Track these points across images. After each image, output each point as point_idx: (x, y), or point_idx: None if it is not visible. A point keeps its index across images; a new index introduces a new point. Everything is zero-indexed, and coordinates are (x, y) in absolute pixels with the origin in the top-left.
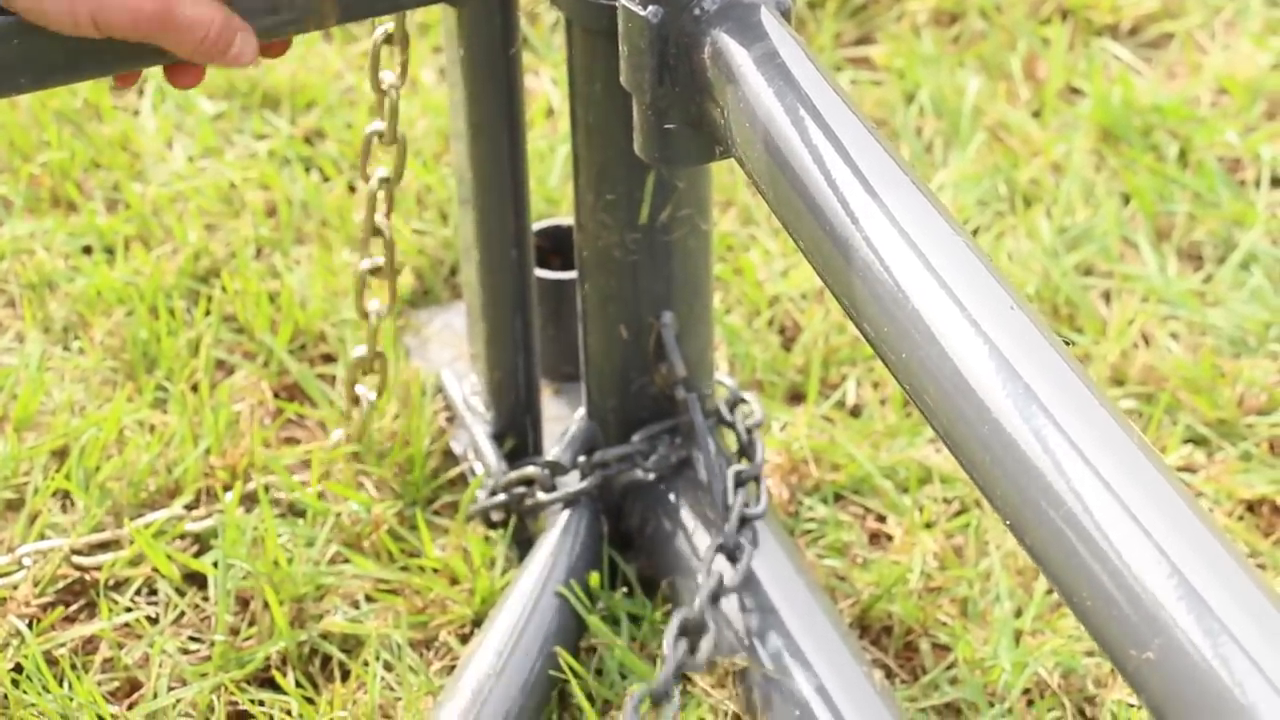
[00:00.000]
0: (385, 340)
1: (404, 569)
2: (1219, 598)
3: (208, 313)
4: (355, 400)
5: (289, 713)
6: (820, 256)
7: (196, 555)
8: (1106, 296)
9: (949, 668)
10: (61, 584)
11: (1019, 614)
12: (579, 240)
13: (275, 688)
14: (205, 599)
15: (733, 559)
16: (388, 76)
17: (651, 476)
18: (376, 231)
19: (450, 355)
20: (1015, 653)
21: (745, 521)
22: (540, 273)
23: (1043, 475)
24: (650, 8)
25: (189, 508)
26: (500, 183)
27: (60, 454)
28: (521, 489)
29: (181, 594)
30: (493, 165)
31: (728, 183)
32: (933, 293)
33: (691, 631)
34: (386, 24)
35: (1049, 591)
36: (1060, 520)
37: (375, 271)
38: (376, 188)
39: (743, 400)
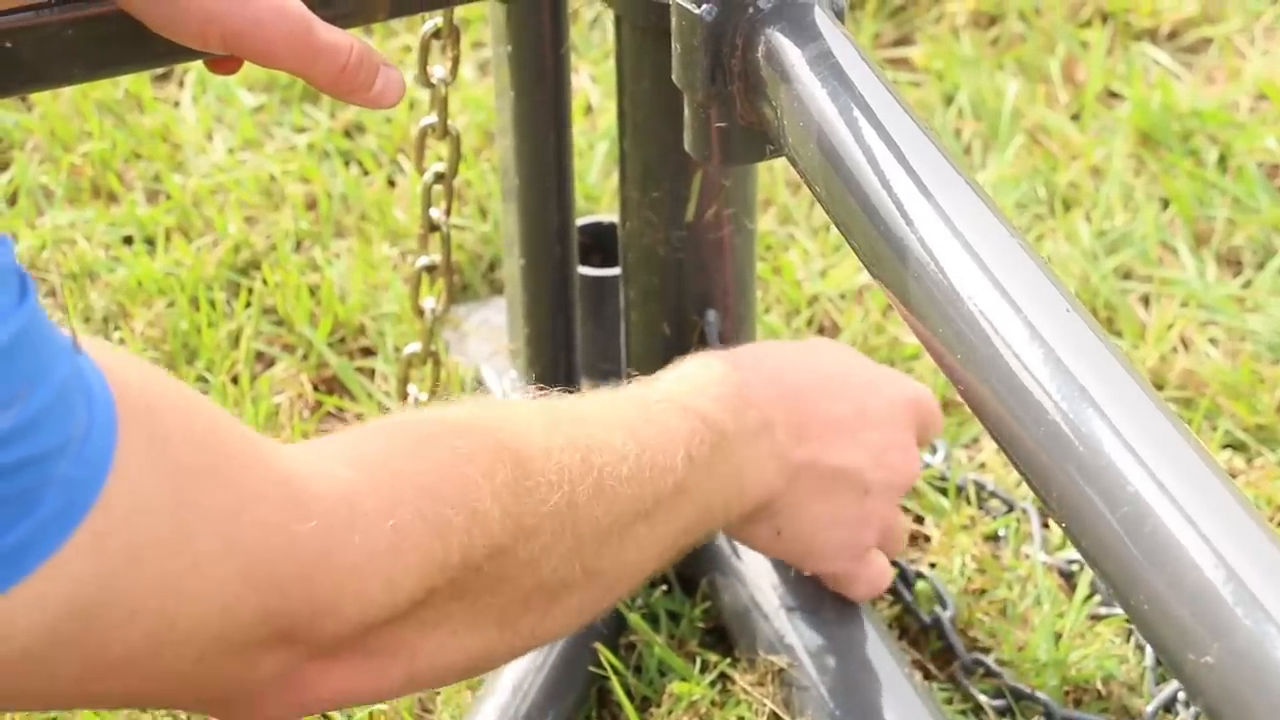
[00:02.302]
0: (436, 339)
1: None
2: (1278, 602)
3: (248, 305)
4: (405, 398)
5: None
6: (874, 256)
7: None
8: (1145, 301)
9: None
10: None
11: (1060, 616)
12: (623, 237)
13: None
14: None
15: None
16: (437, 71)
17: None
18: (433, 228)
19: (489, 350)
20: (1056, 653)
21: None
22: (581, 269)
23: (1099, 478)
24: (704, 6)
25: None
26: (545, 179)
27: None
28: None
29: None
30: (538, 162)
31: (766, 182)
32: (988, 294)
33: None
34: (435, 18)
35: (1088, 597)
36: (1117, 523)
37: (429, 269)
38: (431, 182)
39: None
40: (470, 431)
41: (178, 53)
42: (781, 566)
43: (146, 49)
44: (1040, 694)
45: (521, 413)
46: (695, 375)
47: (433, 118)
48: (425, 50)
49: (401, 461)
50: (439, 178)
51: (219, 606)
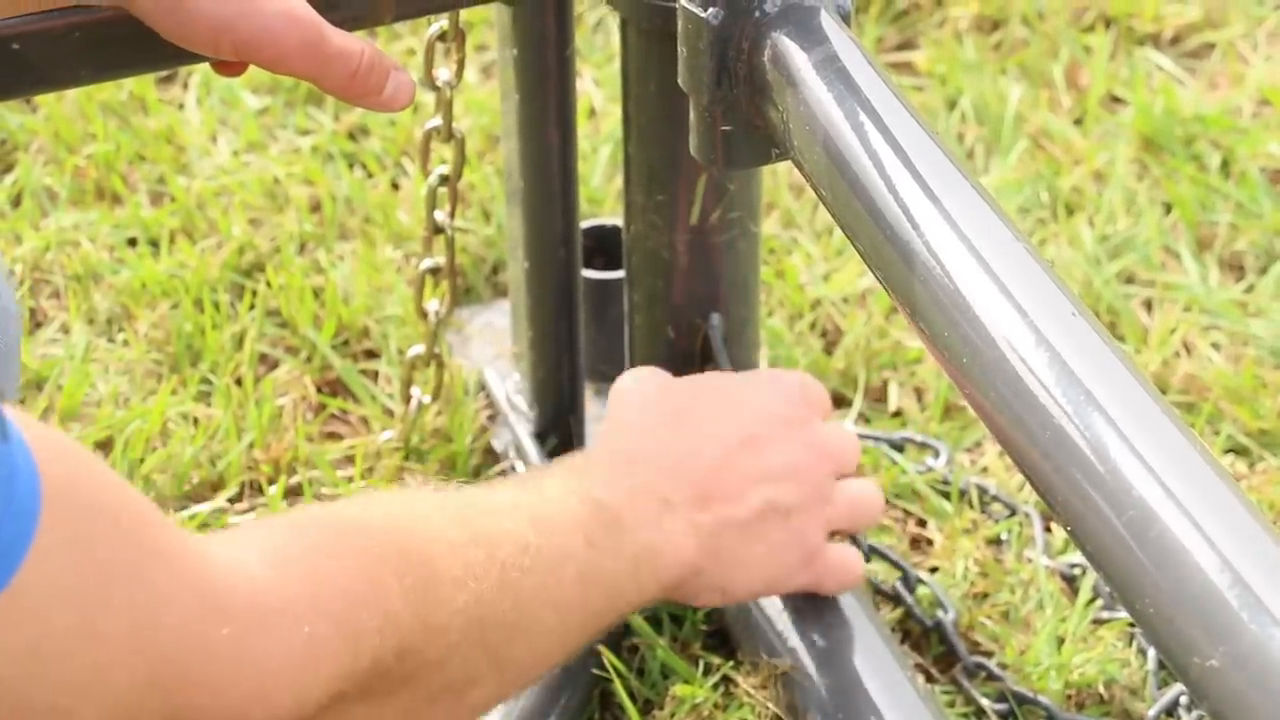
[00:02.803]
0: (440, 341)
1: None
2: None
3: (252, 307)
4: (408, 400)
5: None
6: (880, 260)
7: None
8: (1148, 305)
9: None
10: None
11: (1062, 621)
12: (627, 241)
13: None
14: None
15: None
16: (442, 74)
17: None
18: (438, 230)
19: (492, 353)
20: (1058, 657)
21: None
22: (585, 273)
23: (1105, 482)
24: (710, 9)
25: (233, 501)
26: (550, 182)
27: (104, 445)
28: None
29: None
30: (543, 165)
31: (769, 185)
32: (994, 298)
33: None
34: (440, 21)
35: (1091, 601)
36: (1122, 527)
37: (433, 271)
38: (436, 184)
39: None
40: (382, 530)
41: (185, 55)
42: None
43: (154, 51)
44: (1042, 698)
45: (428, 507)
46: (581, 465)
47: (438, 120)
48: (430, 53)
49: (318, 560)
50: (443, 180)
51: (123, 709)
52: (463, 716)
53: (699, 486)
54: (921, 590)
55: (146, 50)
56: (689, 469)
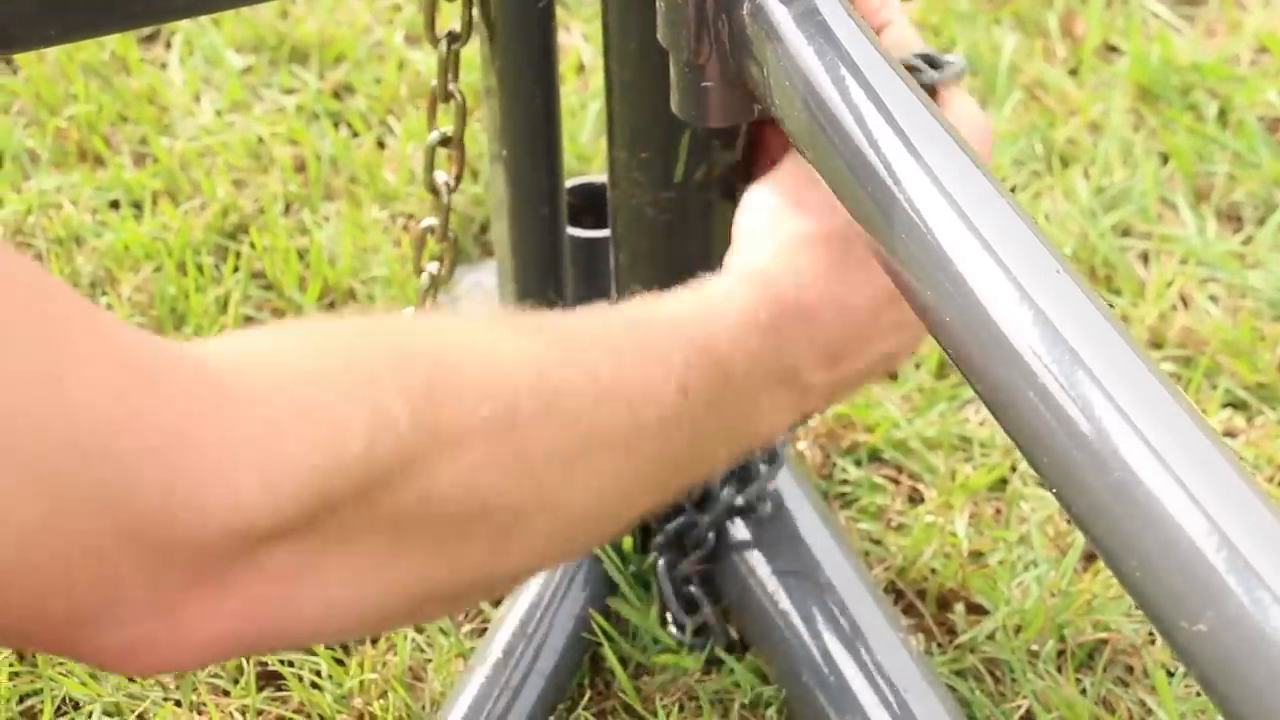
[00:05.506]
0: (431, 302)
1: None
2: (1273, 568)
3: (236, 269)
4: None
5: (319, 674)
6: (862, 216)
7: None
8: (1145, 258)
9: (987, 633)
10: None
11: (1056, 577)
12: (612, 199)
13: (305, 649)
14: None
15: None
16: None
17: None
18: (434, 192)
19: (481, 314)
20: (1053, 613)
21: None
22: (572, 231)
23: (1090, 443)
24: None
25: None
26: (532, 140)
27: None
28: None
29: None
30: (525, 122)
31: None
32: (977, 255)
33: None
34: None
35: (1088, 556)
36: (1108, 488)
37: (431, 231)
38: (436, 144)
39: None
40: (393, 331)
41: (153, 13)
42: (779, 529)
43: (122, 9)
44: None
45: (474, 323)
46: (712, 299)
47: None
48: (432, 11)
49: (289, 351)
50: (445, 140)
51: (41, 477)
52: (514, 556)
53: (834, 346)
54: None
55: (114, 8)
56: (834, 346)
